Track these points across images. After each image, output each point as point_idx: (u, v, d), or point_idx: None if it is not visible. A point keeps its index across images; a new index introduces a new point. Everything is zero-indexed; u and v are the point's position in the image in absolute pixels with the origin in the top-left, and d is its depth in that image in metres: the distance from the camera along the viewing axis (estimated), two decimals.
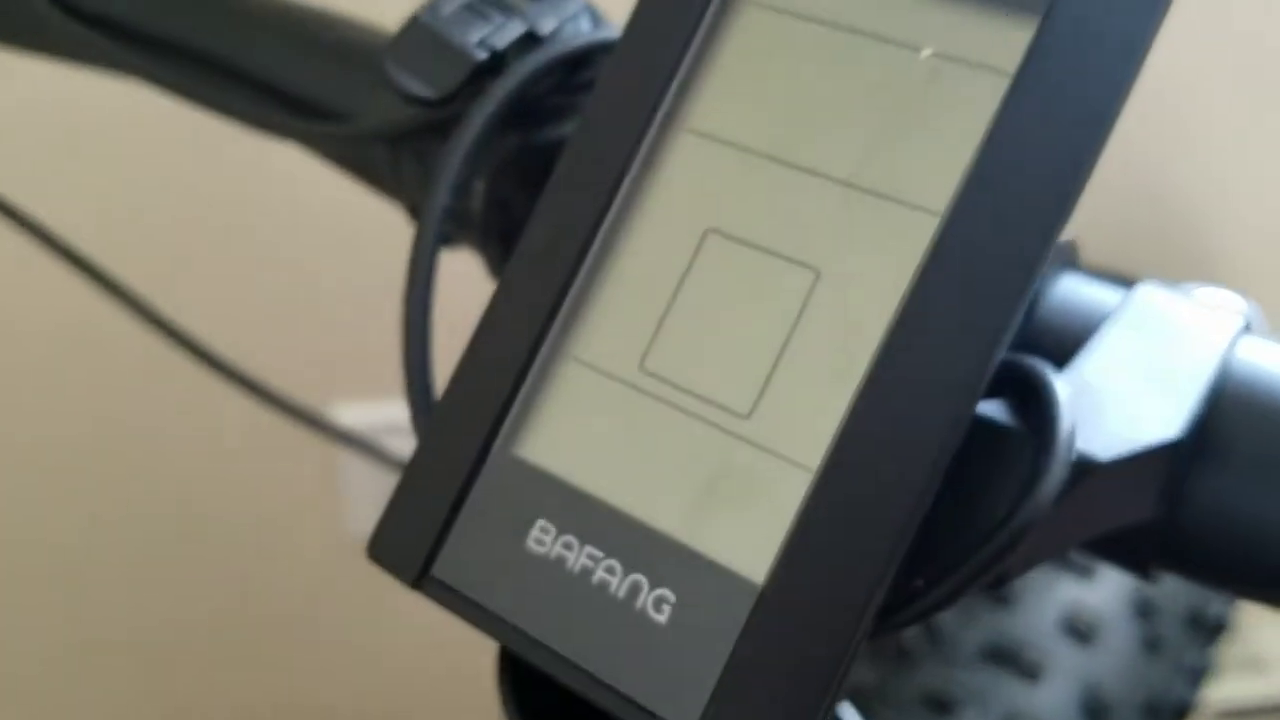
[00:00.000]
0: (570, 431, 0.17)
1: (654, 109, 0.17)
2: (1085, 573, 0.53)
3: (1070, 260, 0.20)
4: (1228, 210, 1.00)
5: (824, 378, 0.16)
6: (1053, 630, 0.50)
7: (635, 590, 0.16)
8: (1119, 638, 0.50)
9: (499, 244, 0.24)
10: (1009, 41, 0.15)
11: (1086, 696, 0.48)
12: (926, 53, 0.16)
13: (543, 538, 0.17)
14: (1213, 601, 0.53)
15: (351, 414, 0.92)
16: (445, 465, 0.17)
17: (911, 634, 0.52)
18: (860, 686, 0.51)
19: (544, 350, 0.17)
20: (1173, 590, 0.53)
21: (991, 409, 0.17)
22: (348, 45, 0.25)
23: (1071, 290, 0.20)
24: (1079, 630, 0.50)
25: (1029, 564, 0.17)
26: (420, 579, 0.17)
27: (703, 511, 0.16)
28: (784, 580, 0.15)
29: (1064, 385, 0.16)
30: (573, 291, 0.17)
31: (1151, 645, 0.50)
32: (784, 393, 0.16)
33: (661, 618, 0.16)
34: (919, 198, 0.15)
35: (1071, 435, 0.16)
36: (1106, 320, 0.19)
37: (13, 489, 0.93)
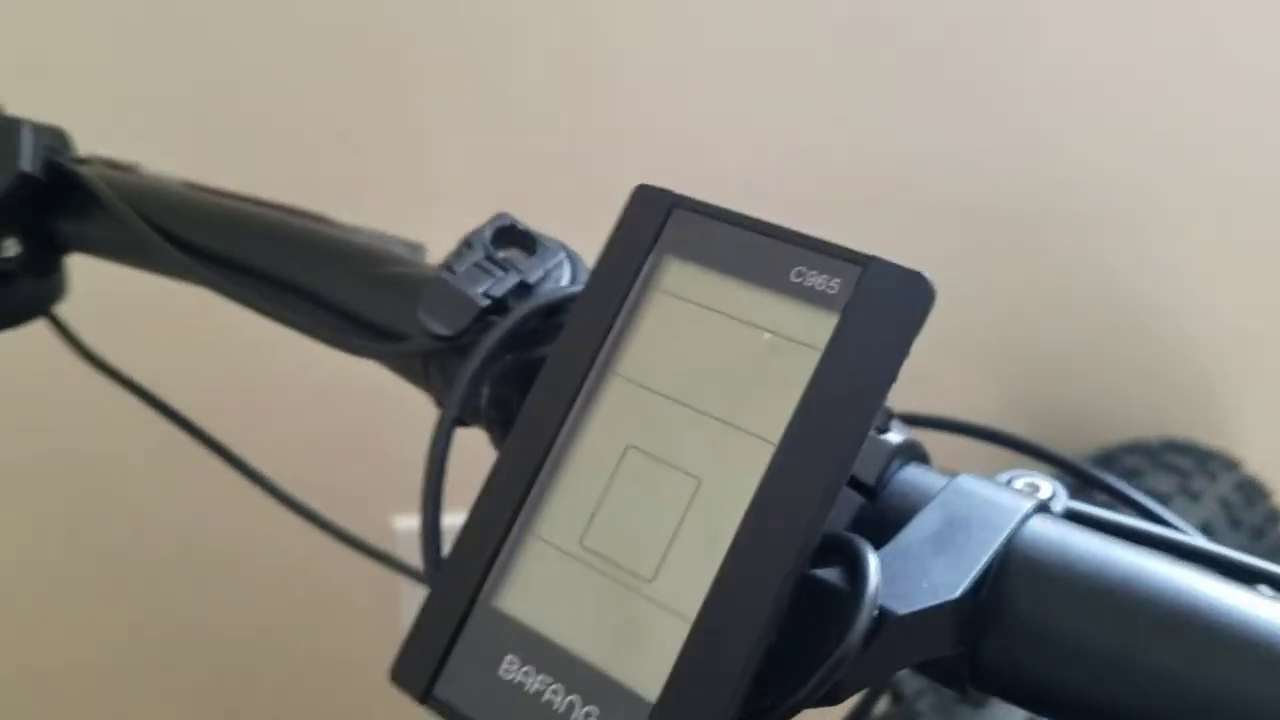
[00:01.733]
0: (532, 588, 0.24)
1: (594, 358, 0.25)
2: None
3: (914, 454, 0.27)
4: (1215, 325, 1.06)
5: (700, 553, 0.23)
6: None
7: (571, 706, 0.23)
8: None
9: (500, 429, 0.32)
10: (820, 327, 0.23)
11: None
12: (768, 336, 0.23)
13: (510, 667, 0.24)
14: None
15: (410, 523, 1.00)
16: (446, 611, 0.24)
17: None
18: None
19: (516, 527, 0.25)
20: None
21: (826, 574, 0.23)
22: (399, 280, 0.33)
23: (911, 478, 0.27)
24: None
25: (856, 687, 0.24)
26: (425, 697, 0.24)
27: (618, 648, 0.23)
28: (669, 699, 0.22)
29: (874, 557, 0.23)
30: (536, 485, 0.25)
31: None
32: (674, 563, 0.23)
33: None
34: (762, 430, 0.23)
35: (875, 595, 0.23)
36: (928, 503, 0.25)
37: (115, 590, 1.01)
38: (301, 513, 0.45)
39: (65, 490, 0.94)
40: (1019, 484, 0.28)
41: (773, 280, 0.24)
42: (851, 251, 0.23)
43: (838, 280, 0.23)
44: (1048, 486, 0.28)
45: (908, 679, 0.63)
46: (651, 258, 0.25)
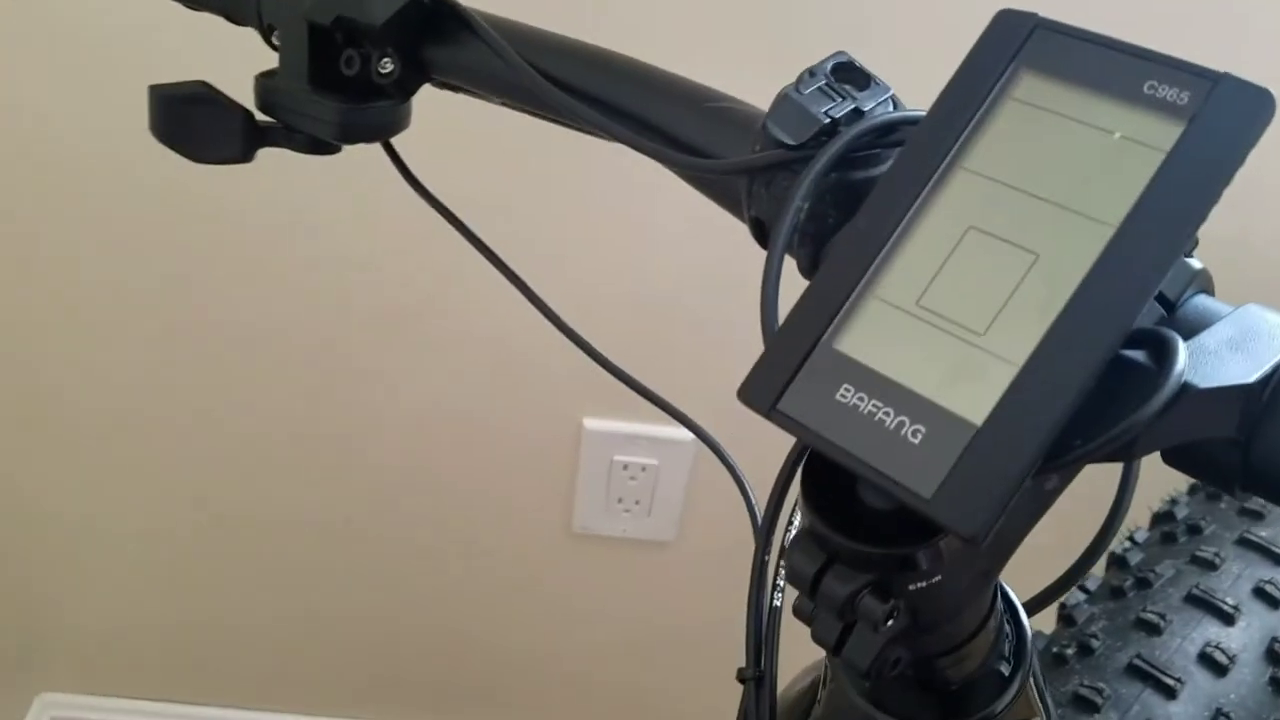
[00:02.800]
0: (869, 336, 0.29)
1: (945, 154, 0.29)
2: (1227, 619, 0.60)
3: (1204, 287, 0.31)
4: None
5: (1032, 314, 0.27)
6: (1192, 660, 0.57)
7: (901, 425, 0.27)
8: (1250, 674, 0.57)
9: (811, 246, 0.36)
10: (1167, 133, 0.27)
11: (1215, 718, 0.55)
12: (1117, 135, 0.27)
13: (846, 393, 0.28)
14: None
15: (598, 424, 1.07)
16: (790, 348, 0.29)
17: (1069, 647, 0.60)
18: None
19: (859, 289, 0.29)
20: None
21: (1137, 355, 0.27)
22: (727, 113, 0.39)
23: (1201, 303, 0.30)
24: (1215, 662, 0.56)
25: (1149, 447, 0.27)
26: (770, 410, 0.29)
27: (946, 383, 0.27)
28: (992, 425, 0.26)
29: (1182, 343, 0.27)
30: (880, 256, 0.29)
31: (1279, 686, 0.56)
32: (1006, 321, 0.27)
33: (916, 440, 0.27)
34: (1103, 216, 0.27)
35: (1181, 372, 0.26)
36: (1221, 319, 0.29)
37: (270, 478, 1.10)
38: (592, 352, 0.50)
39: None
40: None
41: (1126, 91, 0.27)
42: (1205, 68, 0.27)
43: (1187, 93, 0.27)
44: None
45: (1080, 606, 0.65)
46: (1009, 71, 0.29)
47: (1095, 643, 0.60)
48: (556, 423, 1.06)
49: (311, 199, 0.94)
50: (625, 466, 1.07)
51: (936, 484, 0.26)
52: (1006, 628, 0.35)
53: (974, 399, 0.27)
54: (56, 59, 0.90)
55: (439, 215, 0.52)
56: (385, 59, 0.45)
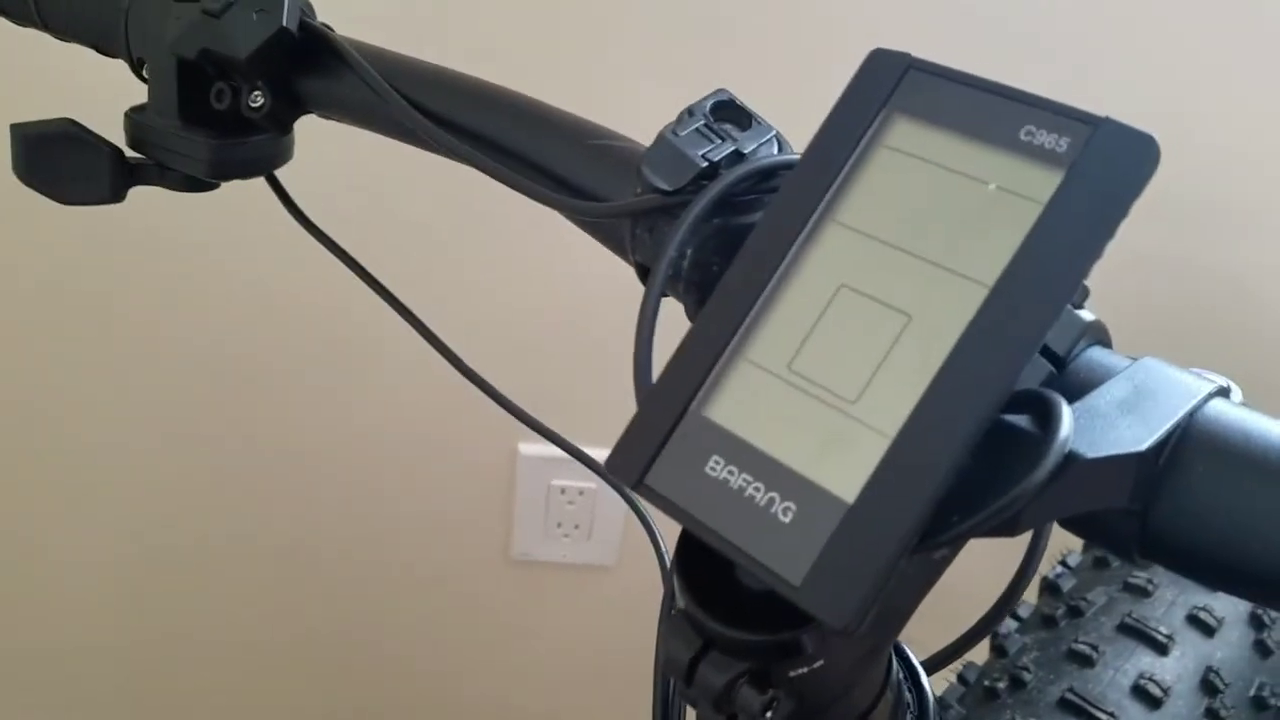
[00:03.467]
0: (740, 403, 0.26)
1: (815, 207, 0.27)
2: (1161, 649, 0.58)
3: (1099, 337, 0.29)
4: None
5: (905, 380, 0.25)
6: (1126, 692, 0.56)
7: (771, 502, 0.25)
8: (1184, 707, 0.55)
9: (696, 293, 0.34)
10: (1045, 182, 0.25)
11: None
12: (993, 186, 0.25)
13: (715, 466, 0.26)
14: None
15: (532, 448, 1.04)
16: (659, 417, 0.27)
17: (1000, 680, 0.59)
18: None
19: (728, 351, 0.27)
20: (1240, 671, 0.58)
21: (1019, 420, 0.25)
22: (610, 151, 0.36)
23: (1095, 357, 0.28)
24: (1149, 695, 0.55)
25: (1032, 522, 0.25)
26: (637, 484, 0.27)
27: (818, 457, 0.25)
28: (865, 502, 0.24)
29: (1066, 406, 0.25)
30: (750, 315, 0.27)
31: (1214, 718, 0.55)
32: (879, 387, 0.25)
33: (787, 519, 0.25)
34: (977, 275, 0.25)
35: (1067, 438, 0.24)
36: (1115, 376, 0.27)
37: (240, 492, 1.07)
38: (491, 393, 0.48)
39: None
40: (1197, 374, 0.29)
41: (1001, 138, 0.25)
42: (1084, 112, 0.25)
43: (1066, 139, 0.25)
44: (1225, 380, 0.29)
45: (1012, 636, 0.64)
46: (881, 116, 0.27)
47: (1027, 675, 0.59)
48: (492, 448, 1.03)
49: (246, 220, 0.91)
50: (563, 490, 1.05)
51: (806, 568, 0.24)
52: (907, 695, 0.33)
53: (846, 474, 0.25)
54: None
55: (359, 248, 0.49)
56: (255, 92, 0.43)
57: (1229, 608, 0.61)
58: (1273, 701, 0.57)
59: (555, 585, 1.10)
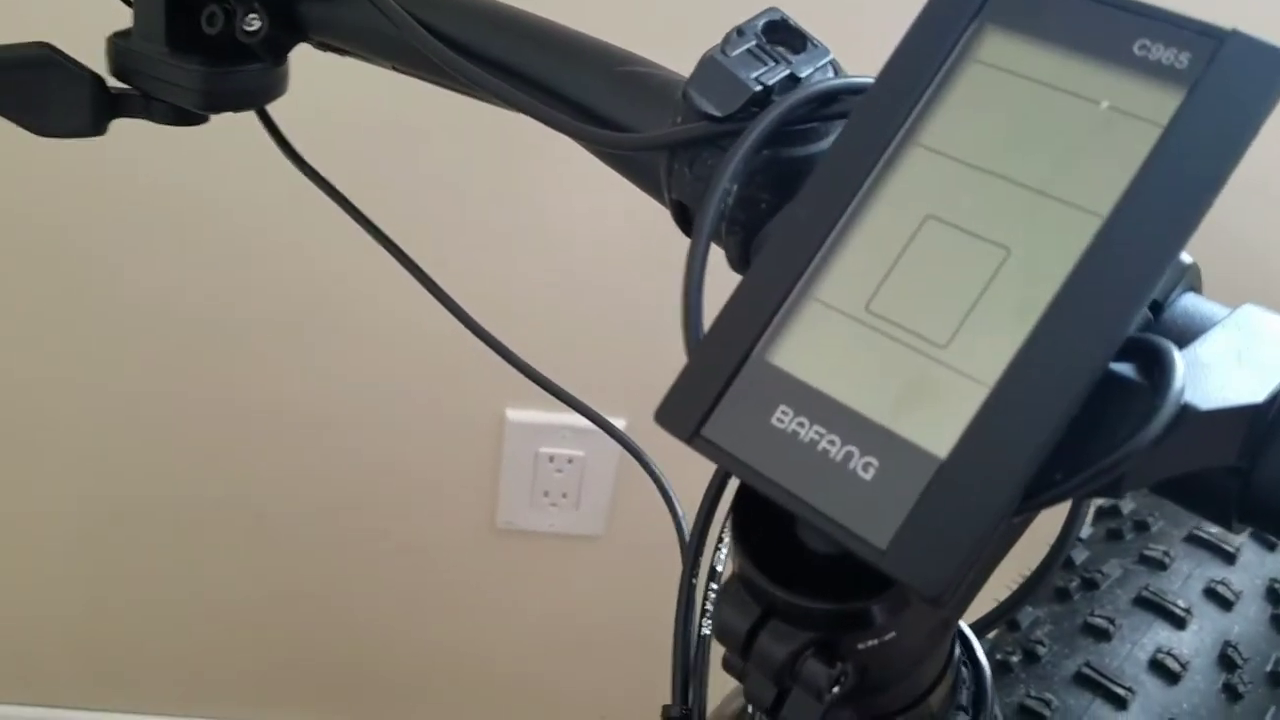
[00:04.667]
0: (809, 348, 0.24)
1: (897, 128, 0.24)
2: (1178, 623, 0.57)
3: (1193, 284, 0.27)
4: None
5: (1004, 322, 0.22)
6: (1143, 667, 0.54)
7: (849, 456, 0.23)
8: (1202, 681, 0.54)
9: (741, 236, 0.31)
10: (1163, 103, 0.22)
11: None
12: (1104, 105, 0.23)
13: (783, 417, 0.23)
14: None
15: (520, 415, 1.01)
16: (716, 363, 0.24)
17: (1014, 654, 0.57)
18: None
19: (795, 291, 0.24)
20: (1257, 645, 0.57)
21: (1125, 368, 0.23)
22: (641, 79, 0.33)
23: (1191, 303, 0.26)
24: (1167, 669, 0.53)
25: (1141, 481, 0.23)
26: (693, 436, 0.24)
27: (902, 407, 0.23)
28: (960, 458, 0.22)
29: (1179, 355, 0.22)
30: (821, 252, 0.24)
31: (1232, 693, 0.54)
32: (973, 330, 0.22)
33: (867, 476, 0.22)
34: (1089, 204, 0.22)
35: (1180, 390, 0.22)
36: (1217, 324, 0.25)
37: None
38: (483, 338, 0.45)
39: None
40: None
41: (1112, 52, 0.23)
42: (1206, 24, 0.22)
43: (1187, 54, 0.22)
44: None
45: (1024, 609, 0.62)
46: (972, 28, 0.24)
47: (1042, 649, 0.57)
48: (478, 414, 1.00)
49: (229, 173, 0.87)
50: (551, 459, 1.02)
51: (893, 531, 0.22)
52: (964, 672, 0.31)
53: (937, 426, 0.22)
54: None
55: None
56: (251, 15, 0.39)
57: (1247, 581, 0.60)
58: None
59: (542, 555, 1.08)
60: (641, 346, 0.91)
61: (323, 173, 0.46)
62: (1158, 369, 0.22)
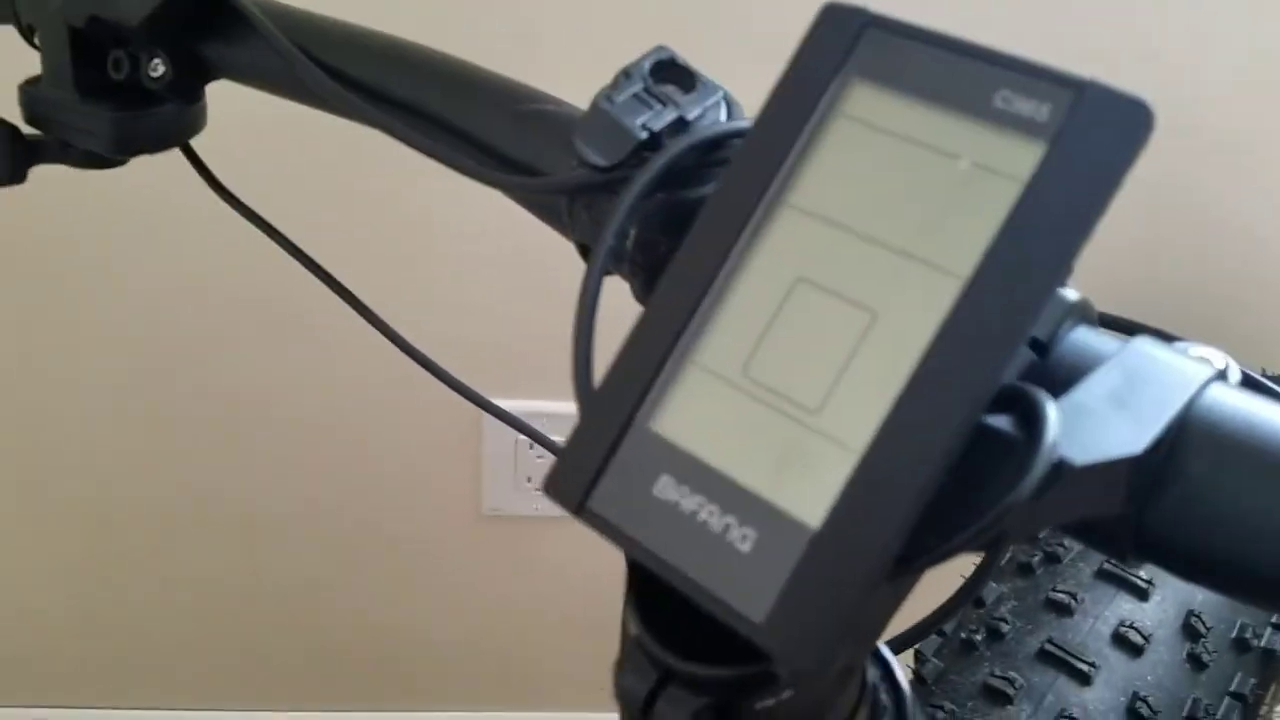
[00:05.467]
0: (690, 414, 0.24)
1: (766, 188, 0.24)
2: (1140, 594, 0.57)
3: (1085, 316, 0.26)
4: None
5: (872, 386, 0.22)
6: (1107, 641, 0.54)
7: (728, 528, 0.23)
8: (1166, 653, 0.54)
9: (643, 273, 0.31)
10: (1024, 157, 0.22)
11: (1132, 702, 0.52)
12: (965, 161, 0.22)
13: (665, 487, 0.23)
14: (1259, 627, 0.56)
15: (500, 404, 1.01)
16: (601, 432, 0.24)
17: (978, 632, 0.58)
18: (925, 675, 0.56)
19: (674, 355, 0.24)
20: (1220, 613, 0.57)
21: (998, 421, 0.23)
22: (543, 117, 0.33)
23: (1082, 339, 0.26)
24: (1129, 642, 0.54)
25: (1019, 537, 0.23)
26: (579, 509, 0.24)
27: (779, 475, 0.22)
28: (832, 527, 0.22)
29: (1053, 406, 0.22)
30: (697, 315, 0.24)
31: (1197, 662, 0.54)
32: (843, 395, 0.22)
33: (745, 548, 0.22)
34: (950, 266, 0.22)
35: (1055, 444, 0.22)
36: (1104, 363, 0.24)
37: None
38: (427, 366, 0.45)
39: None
40: (1192, 353, 0.26)
41: (973, 105, 0.22)
42: (1065, 74, 0.22)
43: (1047, 105, 0.22)
44: (1221, 358, 0.26)
45: (988, 585, 0.62)
46: (837, 81, 0.24)
47: (1005, 626, 0.58)
48: (458, 405, 1.00)
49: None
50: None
51: (769, 605, 0.22)
52: (883, 698, 0.31)
53: (810, 495, 0.22)
54: None
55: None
56: (155, 60, 0.39)
57: None
58: (1255, 643, 0.56)
59: (527, 539, 1.08)
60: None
61: (261, 203, 0.46)
62: (1032, 422, 0.22)
